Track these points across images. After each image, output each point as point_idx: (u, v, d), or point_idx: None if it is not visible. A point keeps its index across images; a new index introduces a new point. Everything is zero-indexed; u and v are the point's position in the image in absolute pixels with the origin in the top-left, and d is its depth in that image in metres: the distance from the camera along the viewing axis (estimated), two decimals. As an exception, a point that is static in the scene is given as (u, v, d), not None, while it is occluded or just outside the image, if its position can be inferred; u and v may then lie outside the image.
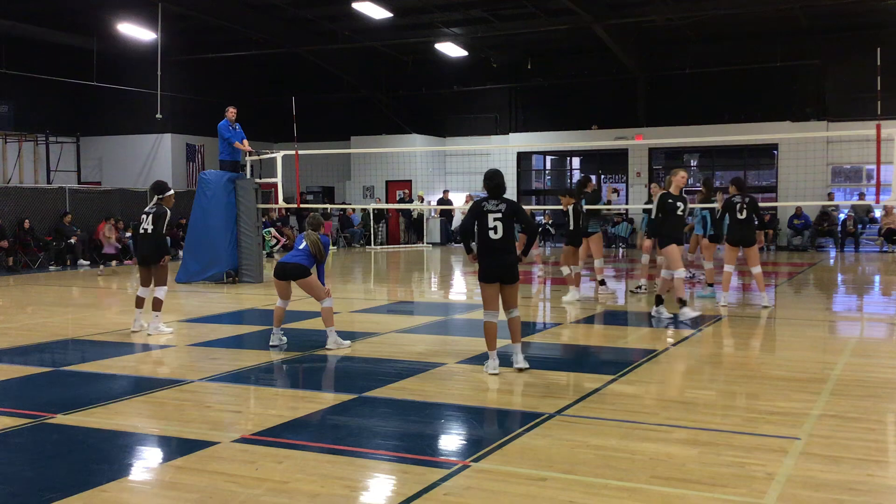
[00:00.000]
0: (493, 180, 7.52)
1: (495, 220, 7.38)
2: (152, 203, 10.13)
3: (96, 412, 6.44)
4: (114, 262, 20.53)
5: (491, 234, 7.37)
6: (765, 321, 10.96)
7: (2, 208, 19.70)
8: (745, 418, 6.11)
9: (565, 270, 12.65)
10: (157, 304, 9.93)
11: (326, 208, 26.96)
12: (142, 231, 10.08)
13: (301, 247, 8.87)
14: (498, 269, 7.44)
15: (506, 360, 7.77)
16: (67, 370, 8.12)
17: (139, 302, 10.12)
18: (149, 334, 9.89)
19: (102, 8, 22.65)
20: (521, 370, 7.60)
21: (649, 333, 10.13)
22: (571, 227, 12.61)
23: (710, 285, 13.10)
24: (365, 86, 29.84)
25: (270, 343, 9.05)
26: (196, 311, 11.97)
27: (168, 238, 10.42)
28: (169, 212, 10.10)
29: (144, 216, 10.04)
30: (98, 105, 26.87)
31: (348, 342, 9.03)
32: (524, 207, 8.03)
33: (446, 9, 23.45)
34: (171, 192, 10.28)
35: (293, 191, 18.48)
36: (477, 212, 7.48)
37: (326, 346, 8.85)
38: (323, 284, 8.94)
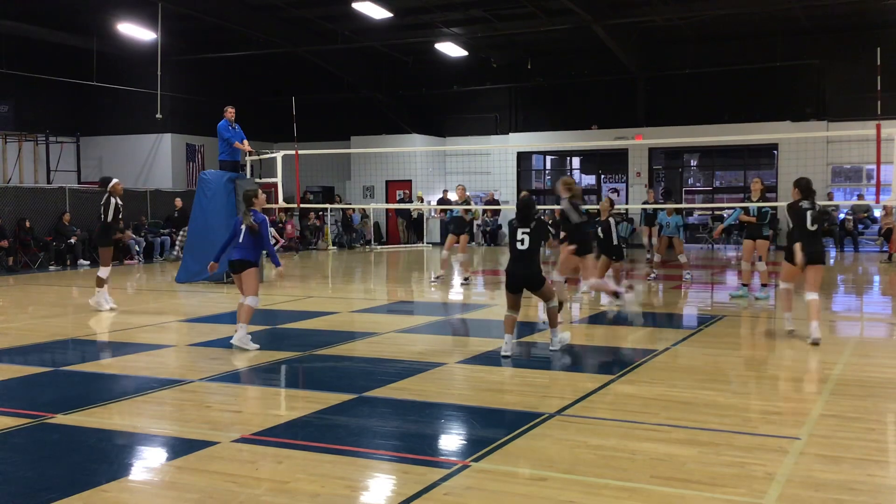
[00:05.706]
0: (521, 211, 8.49)
1: (523, 233, 8.36)
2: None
3: (96, 412, 6.44)
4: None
5: (518, 244, 8.34)
6: (765, 321, 10.97)
7: (2, 208, 19.67)
8: (745, 418, 6.11)
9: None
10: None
11: (327, 208, 26.95)
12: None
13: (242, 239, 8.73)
14: (520, 278, 8.30)
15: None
16: (67, 370, 8.12)
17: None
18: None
19: (102, 8, 22.62)
20: (552, 351, 8.48)
21: (649, 333, 10.13)
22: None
23: (745, 285, 13.04)
24: (365, 86, 29.81)
25: (235, 343, 8.76)
26: (196, 311, 11.96)
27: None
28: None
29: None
30: (98, 105, 26.84)
31: (257, 346, 8.76)
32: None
33: (446, 9, 23.43)
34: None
35: (293, 191, 18.51)
36: (510, 229, 8.62)
37: (231, 341, 8.71)
38: (277, 264, 9.34)
